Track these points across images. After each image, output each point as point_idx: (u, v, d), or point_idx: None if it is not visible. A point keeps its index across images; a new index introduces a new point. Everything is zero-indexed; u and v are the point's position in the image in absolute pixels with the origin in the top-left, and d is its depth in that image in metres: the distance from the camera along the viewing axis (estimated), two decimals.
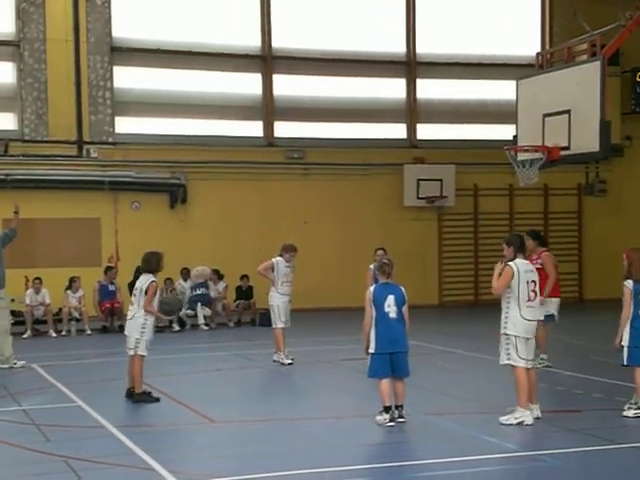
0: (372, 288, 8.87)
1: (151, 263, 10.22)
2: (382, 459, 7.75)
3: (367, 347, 8.75)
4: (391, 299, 8.72)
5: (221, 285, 18.51)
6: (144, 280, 10.13)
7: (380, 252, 13.11)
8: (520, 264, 8.73)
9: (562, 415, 9.13)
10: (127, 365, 10.30)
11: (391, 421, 8.61)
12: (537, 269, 9.47)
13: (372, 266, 12.80)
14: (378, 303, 8.73)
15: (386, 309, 8.69)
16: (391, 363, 8.66)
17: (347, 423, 8.91)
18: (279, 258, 12.91)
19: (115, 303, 17.29)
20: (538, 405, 8.83)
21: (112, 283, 17.63)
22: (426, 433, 8.51)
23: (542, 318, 10.22)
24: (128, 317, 10.29)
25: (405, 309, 8.80)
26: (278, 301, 12.90)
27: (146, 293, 10.00)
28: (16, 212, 13.13)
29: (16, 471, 7.43)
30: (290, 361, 12.73)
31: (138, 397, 10.08)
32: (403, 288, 8.86)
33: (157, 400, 10.11)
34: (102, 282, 17.57)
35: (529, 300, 8.68)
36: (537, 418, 8.68)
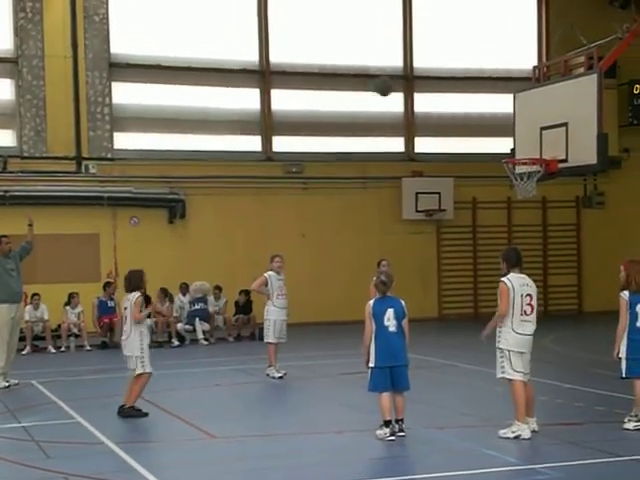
0: (371, 302, 8.86)
1: (131, 282, 10.30)
2: (383, 473, 7.73)
3: (367, 361, 8.74)
4: (390, 312, 8.72)
5: (222, 300, 18.51)
6: (131, 297, 10.20)
7: (384, 262, 13.25)
8: (514, 279, 8.69)
9: (563, 428, 9.12)
10: (127, 382, 10.26)
11: (391, 435, 8.59)
12: None
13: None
14: (378, 317, 8.72)
15: (386, 323, 8.69)
16: (391, 377, 8.66)
17: (348, 438, 8.89)
18: (270, 272, 12.97)
19: (114, 318, 17.27)
20: (535, 419, 8.81)
21: (111, 299, 17.62)
22: (426, 447, 8.50)
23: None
24: (123, 338, 10.26)
25: (405, 322, 8.79)
26: (275, 315, 12.94)
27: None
28: (30, 225, 13.03)
29: None
30: (281, 375, 12.76)
31: (127, 411, 10.06)
32: (403, 301, 8.86)
33: (145, 415, 10.08)
34: (101, 298, 17.56)
35: (524, 314, 8.63)
36: (534, 431, 8.67)
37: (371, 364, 8.70)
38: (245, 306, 18.48)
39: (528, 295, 8.67)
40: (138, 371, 10.08)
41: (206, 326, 17.86)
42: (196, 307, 17.94)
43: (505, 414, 8.99)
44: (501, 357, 8.68)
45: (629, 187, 22.52)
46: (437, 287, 21.85)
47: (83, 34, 19.34)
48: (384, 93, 10.25)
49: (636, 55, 19.40)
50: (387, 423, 8.64)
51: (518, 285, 8.65)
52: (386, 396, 8.66)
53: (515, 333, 8.61)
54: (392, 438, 8.57)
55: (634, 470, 7.60)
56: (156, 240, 19.57)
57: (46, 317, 16.97)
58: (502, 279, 8.73)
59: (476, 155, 21.59)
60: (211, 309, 18.16)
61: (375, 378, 8.68)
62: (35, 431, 9.41)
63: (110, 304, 17.55)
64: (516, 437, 8.50)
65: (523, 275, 8.81)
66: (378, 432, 8.65)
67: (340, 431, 9.10)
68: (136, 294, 10.20)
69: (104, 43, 19.55)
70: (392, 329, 8.69)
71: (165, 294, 17.75)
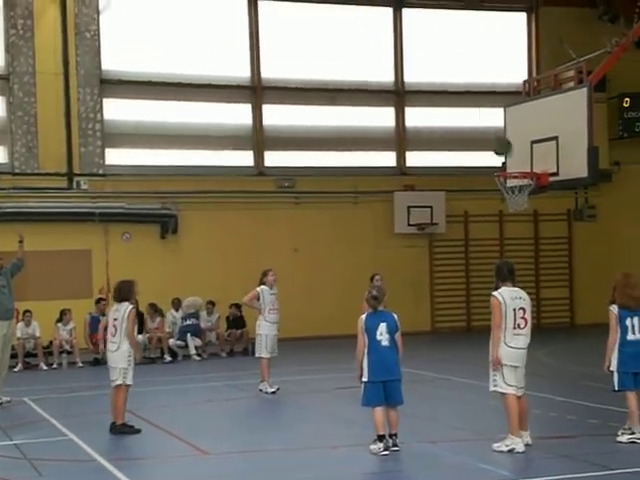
0: (364, 316, 8.84)
1: (121, 293, 10.23)
2: None
3: (360, 375, 8.73)
4: (383, 327, 8.71)
5: (214, 315, 18.46)
6: (122, 309, 10.12)
7: (377, 277, 13.25)
8: (506, 292, 8.68)
9: (556, 441, 9.11)
10: (111, 398, 10.19)
11: (385, 450, 8.58)
12: None
13: None
14: (370, 331, 8.72)
15: (378, 337, 8.68)
16: (384, 391, 8.65)
17: (342, 452, 8.87)
18: (263, 287, 12.94)
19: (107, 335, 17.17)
20: (529, 432, 8.80)
21: (103, 315, 17.52)
22: (420, 461, 8.48)
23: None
24: (111, 349, 10.17)
25: (398, 336, 8.78)
26: (267, 330, 12.92)
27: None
28: (21, 241, 12.99)
29: None
30: (274, 390, 12.72)
31: (119, 428, 10.00)
32: (395, 315, 8.85)
33: (138, 431, 10.03)
34: (93, 314, 17.47)
35: (517, 327, 8.61)
36: (528, 445, 8.66)
37: (364, 379, 8.69)
38: (236, 320, 18.44)
39: (521, 309, 8.66)
40: (118, 382, 10.00)
41: (198, 342, 17.81)
42: (188, 322, 17.89)
43: (498, 428, 8.98)
44: (494, 370, 8.68)
45: (620, 200, 22.59)
46: (430, 300, 21.85)
47: (74, 51, 19.36)
48: (504, 153, 10.25)
49: (625, 69, 19.58)
50: (381, 438, 8.62)
51: (509, 298, 8.65)
52: (379, 410, 8.65)
53: (508, 347, 8.59)
54: (386, 453, 8.55)
55: None
56: (148, 255, 19.54)
57: (38, 334, 16.90)
58: (493, 293, 8.73)
59: (467, 169, 21.65)
60: (203, 325, 18.11)
61: (368, 393, 8.67)
62: (27, 449, 9.36)
63: (102, 320, 17.45)
64: (510, 451, 8.49)
65: (516, 289, 8.79)
66: (372, 447, 8.63)
67: (334, 446, 9.08)
68: (128, 306, 10.11)
69: (95, 59, 19.58)
70: (385, 343, 8.68)
71: (155, 310, 17.70)
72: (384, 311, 8.86)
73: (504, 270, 8.85)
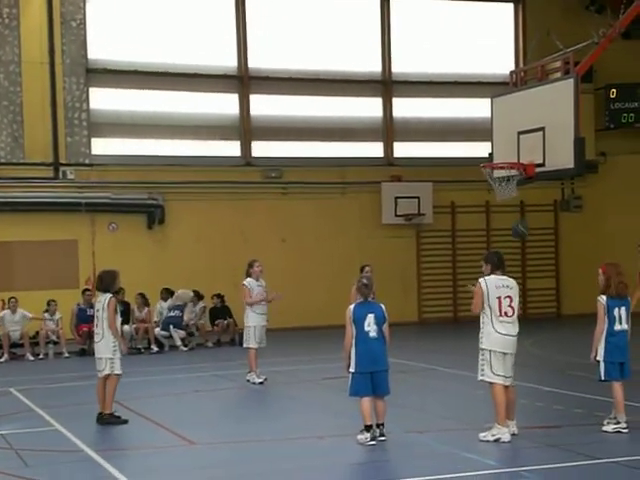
0: (352, 307, 8.85)
1: (104, 281, 10.19)
2: (364, 478, 7.74)
3: (348, 365, 8.75)
4: (371, 318, 8.73)
5: (199, 306, 18.42)
6: (103, 299, 10.09)
7: (367, 268, 13.25)
8: (491, 280, 8.75)
9: (542, 431, 9.16)
10: (97, 388, 10.17)
11: (372, 440, 8.60)
12: None
13: None
14: (358, 322, 8.74)
15: (366, 328, 8.70)
16: (372, 382, 8.67)
17: (329, 443, 8.88)
18: (249, 279, 12.92)
19: (93, 327, 17.10)
20: (515, 422, 8.84)
21: (91, 306, 17.46)
22: (407, 451, 8.51)
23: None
24: (96, 340, 10.19)
25: (385, 327, 8.81)
26: (255, 321, 12.90)
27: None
28: None
29: None
30: (261, 380, 12.73)
31: (107, 418, 9.99)
32: (383, 306, 8.87)
33: (125, 422, 10.02)
34: (80, 306, 17.33)
35: (502, 315, 8.67)
36: (514, 434, 8.70)
37: (352, 369, 8.71)
38: (220, 310, 18.39)
39: (508, 297, 8.72)
40: (106, 372, 9.98)
41: (182, 333, 17.75)
42: (171, 314, 17.81)
43: (485, 417, 9.02)
44: (482, 359, 8.73)
45: (606, 191, 22.69)
46: (417, 291, 21.91)
47: (60, 39, 19.25)
48: (522, 235, 10.28)
49: (612, 60, 19.63)
50: (368, 428, 8.65)
51: (494, 286, 8.71)
52: (367, 401, 8.67)
53: (497, 333, 8.66)
54: (373, 442, 8.58)
55: (613, 473, 7.65)
56: (135, 246, 19.49)
57: (30, 315, 16.72)
58: (480, 280, 8.79)
59: (454, 159, 21.67)
60: (186, 317, 18.03)
61: (356, 383, 8.69)
62: (14, 439, 9.34)
63: (89, 312, 17.36)
64: (496, 440, 8.53)
65: (504, 277, 8.86)
66: (359, 437, 8.65)
67: (321, 436, 9.09)
68: (108, 296, 10.07)
69: (81, 49, 19.47)
70: (373, 334, 8.70)
71: (144, 300, 17.65)
72: (372, 302, 8.88)
73: (495, 259, 8.93)
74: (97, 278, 10.42)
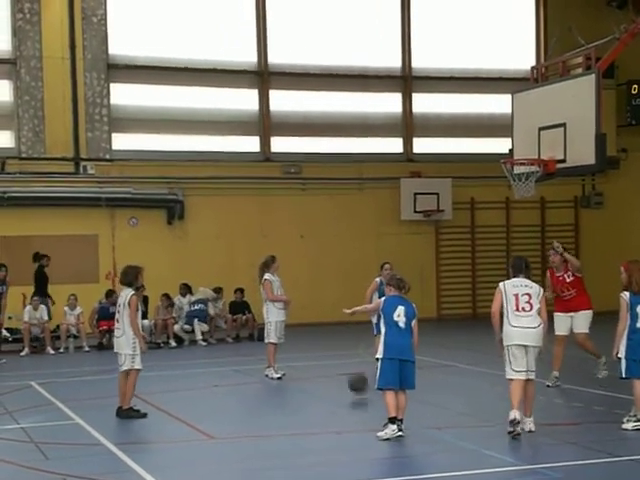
0: (384, 298, 9.01)
1: (128, 276, 10.21)
2: (382, 474, 7.73)
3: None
4: (401, 310, 8.81)
5: (221, 301, 18.50)
6: (124, 295, 10.13)
7: (387, 266, 13.27)
8: (509, 283, 8.91)
9: (562, 428, 9.12)
10: (119, 382, 10.22)
11: (399, 430, 8.58)
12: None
13: (378, 279, 12.95)
14: (387, 312, 8.82)
15: (395, 318, 8.77)
16: (400, 373, 8.66)
17: (347, 438, 8.89)
18: (269, 274, 12.95)
19: (114, 323, 17.14)
20: (532, 419, 8.82)
21: (114, 304, 17.49)
22: (426, 447, 8.49)
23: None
24: (117, 335, 10.22)
25: (414, 323, 8.88)
26: (275, 317, 12.94)
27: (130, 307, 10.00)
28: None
29: None
30: (279, 375, 12.76)
31: (126, 412, 10.04)
32: (414, 305, 8.93)
33: (144, 416, 10.07)
34: (103, 303, 17.35)
35: (519, 310, 8.74)
36: (530, 432, 8.67)
37: (379, 355, 8.74)
38: (240, 305, 18.44)
39: (526, 294, 8.79)
40: (126, 367, 10.02)
41: (205, 327, 17.84)
42: (196, 307, 17.91)
43: (504, 414, 8.98)
44: (504, 359, 8.80)
45: (627, 187, 22.53)
46: (436, 288, 21.84)
47: (81, 35, 19.33)
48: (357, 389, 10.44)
49: (634, 55, 19.46)
50: (392, 420, 8.63)
51: (511, 286, 8.85)
52: (391, 393, 8.67)
53: (512, 327, 8.74)
54: (400, 434, 8.56)
55: (633, 470, 7.60)
56: (155, 241, 19.56)
57: (45, 317, 16.88)
58: (499, 283, 8.94)
59: (474, 155, 21.59)
60: (211, 311, 18.12)
61: (385, 372, 8.66)
62: (34, 432, 9.40)
63: (112, 310, 17.41)
64: (511, 421, 8.48)
65: (526, 280, 8.94)
66: (382, 432, 8.60)
67: (339, 431, 9.10)
68: (130, 292, 10.10)
69: (102, 44, 19.54)
70: (401, 325, 8.77)
71: (169, 300, 17.72)
72: (405, 298, 8.95)
73: (517, 264, 9.06)
74: (122, 271, 10.45)
